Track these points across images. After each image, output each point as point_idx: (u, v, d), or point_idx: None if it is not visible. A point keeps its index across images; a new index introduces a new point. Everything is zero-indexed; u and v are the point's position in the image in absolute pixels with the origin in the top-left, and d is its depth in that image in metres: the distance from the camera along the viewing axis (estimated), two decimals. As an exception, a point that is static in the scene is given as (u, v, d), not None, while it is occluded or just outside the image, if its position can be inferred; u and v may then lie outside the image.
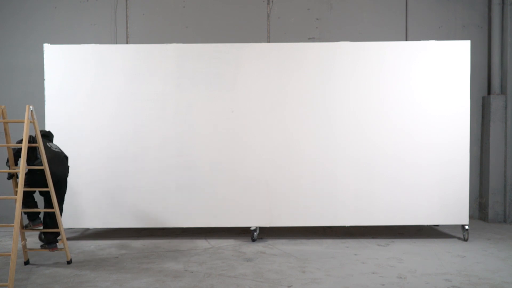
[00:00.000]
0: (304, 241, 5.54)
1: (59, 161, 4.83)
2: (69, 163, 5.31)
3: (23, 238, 4.63)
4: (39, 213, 4.72)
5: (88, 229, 6.19)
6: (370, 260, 4.68)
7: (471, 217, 6.85)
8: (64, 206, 5.45)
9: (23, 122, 4.28)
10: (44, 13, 6.80)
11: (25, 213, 4.71)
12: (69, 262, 4.60)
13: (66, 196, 5.40)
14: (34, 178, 4.60)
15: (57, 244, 4.82)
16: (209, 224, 5.55)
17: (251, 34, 6.82)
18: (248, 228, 5.71)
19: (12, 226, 4.01)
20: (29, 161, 4.62)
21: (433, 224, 5.68)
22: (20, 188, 4.07)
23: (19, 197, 4.05)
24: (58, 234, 4.84)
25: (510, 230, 6.17)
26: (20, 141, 4.52)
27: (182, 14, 6.88)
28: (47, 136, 5.02)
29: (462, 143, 5.47)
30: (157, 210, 5.52)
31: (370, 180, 5.49)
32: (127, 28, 6.84)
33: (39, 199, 4.97)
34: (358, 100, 5.49)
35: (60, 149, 4.97)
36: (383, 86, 5.48)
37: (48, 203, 4.77)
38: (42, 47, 5.70)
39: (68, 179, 5.23)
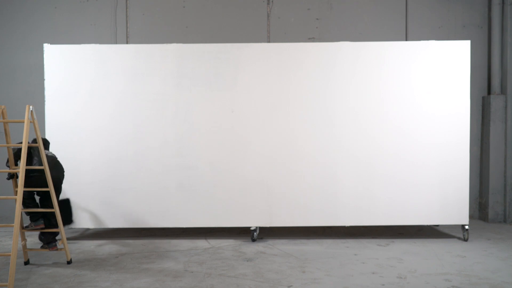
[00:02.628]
0: (304, 241, 5.54)
1: (55, 166, 4.85)
2: (70, 163, 5.32)
3: (23, 238, 4.63)
4: (40, 213, 4.73)
5: (88, 229, 6.18)
6: (370, 260, 4.68)
7: (471, 217, 6.84)
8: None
9: (23, 122, 4.28)
10: (44, 13, 6.80)
11: (27, 214, 4.72)
12: (69, 262, 4.60)
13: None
14: (31, 180, 4.60)
15: (57, 243, 4.82)
16: (209, 224, 5.55)
17: (251, 34, 6.82)
18: (248, 228, 5.71)
19: (12, 226, 4.01)
20: (27, 164, 4.62)
21: (433, 224, 5.68)
22: (20, 188, 4.07)
23: (19, 197, 4.05)
24: (56, 234, 4.85)
25: (510, 230, 6.17)
26: (19, 148, 4.53)
27: (182, 14, 6.87)
28: (44, 144, 5.01)
29: (462, 143, 5.47)
30: (157, 210, 5.51)
31: (370, 180, 5.48)
32: (127, 28, 6.84)
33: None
34: (358, 100, 5.49)
35: (55, 156, 4.99)
36: (383, 86, 5.48)
37: (43, 204, 4.78)
38: (42, 47, 5.70)
39: (70, 178, 5.23)
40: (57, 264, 4.59)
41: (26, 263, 4.59)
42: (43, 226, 4.72)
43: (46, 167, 4.45)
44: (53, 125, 5.54)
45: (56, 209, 4.56)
